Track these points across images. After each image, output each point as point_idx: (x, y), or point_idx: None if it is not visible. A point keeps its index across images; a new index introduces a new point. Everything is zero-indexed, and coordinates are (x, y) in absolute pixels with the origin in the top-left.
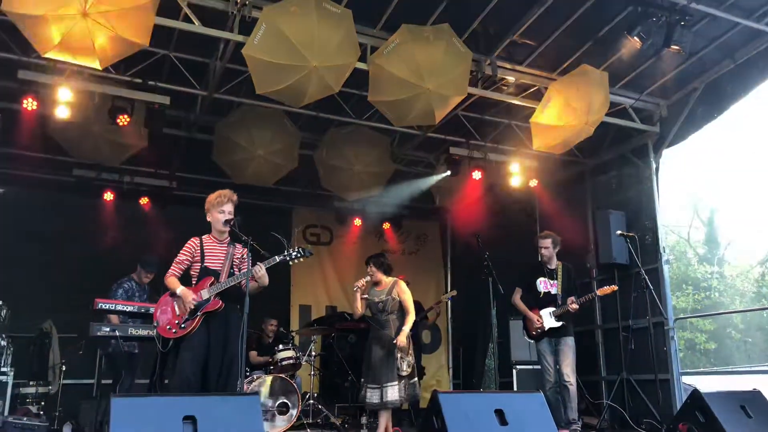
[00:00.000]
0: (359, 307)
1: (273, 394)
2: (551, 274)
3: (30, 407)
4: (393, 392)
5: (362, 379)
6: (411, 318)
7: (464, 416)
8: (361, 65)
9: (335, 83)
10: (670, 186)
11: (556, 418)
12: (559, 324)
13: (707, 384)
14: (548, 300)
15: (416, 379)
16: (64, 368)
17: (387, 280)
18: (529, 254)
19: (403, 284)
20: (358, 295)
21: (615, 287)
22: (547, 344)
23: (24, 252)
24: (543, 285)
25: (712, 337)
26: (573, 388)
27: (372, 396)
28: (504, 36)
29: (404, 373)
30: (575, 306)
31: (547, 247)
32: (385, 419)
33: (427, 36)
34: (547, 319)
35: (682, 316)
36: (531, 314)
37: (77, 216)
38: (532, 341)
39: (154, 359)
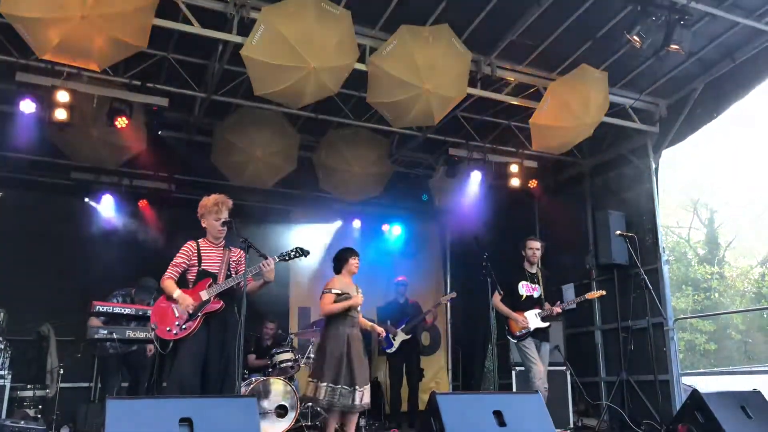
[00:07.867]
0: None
1: (271, 396)
2: (532, 278)
3: (27, 410)
4: (367, 395)
5: (323, 380)
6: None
7: (462, 417)
8: (360, 66)
9: (334, 84)
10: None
11: None
12: (545, 325)
13: (707, 385)
14: (530, 303)
15: None
16: (61, 372)
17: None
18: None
19: None
20: (333, 296)
21: (603, 292)
22: (532, 342)
23: (22, 255)
24: (525, 289)
25: (712, 338)
26: (547, 395)
27: (345, 397)
28: (503, 36)
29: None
30: (559, 310)
31: (539, 249)
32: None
33: (426, 36)
34: (533, 319)
35: (681, 316)
36: (515, 315)
37: (75, 219)
38: (515, 341)
39: (152, 362)
